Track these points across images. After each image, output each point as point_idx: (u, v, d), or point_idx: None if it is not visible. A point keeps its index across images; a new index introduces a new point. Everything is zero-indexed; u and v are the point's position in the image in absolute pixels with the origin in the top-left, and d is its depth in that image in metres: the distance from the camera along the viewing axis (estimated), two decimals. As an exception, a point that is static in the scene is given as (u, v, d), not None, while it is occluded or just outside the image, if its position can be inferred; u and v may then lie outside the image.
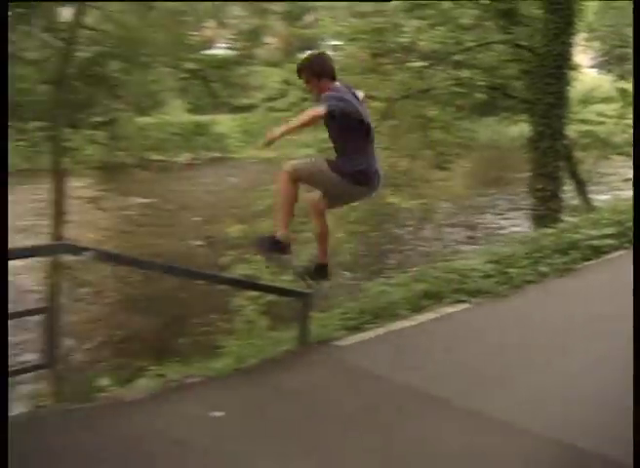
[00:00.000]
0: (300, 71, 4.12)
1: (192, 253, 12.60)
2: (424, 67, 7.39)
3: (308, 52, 5.29)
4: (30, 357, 7.00)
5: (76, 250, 4.23)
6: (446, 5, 6.37)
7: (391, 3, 7.84)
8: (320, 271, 4.39)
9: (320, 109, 3.80)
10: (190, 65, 11.94)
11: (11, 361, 3.82)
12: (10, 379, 3.81)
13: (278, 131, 3.86)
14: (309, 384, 4.22)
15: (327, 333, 5.04)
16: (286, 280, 7.01)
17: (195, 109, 22.72)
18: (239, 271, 6.82)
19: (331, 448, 3.39)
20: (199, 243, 13.61)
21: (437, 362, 4.53)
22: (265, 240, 4.19)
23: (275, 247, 4.14)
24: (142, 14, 11.67)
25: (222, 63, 13.11)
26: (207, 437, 3.46)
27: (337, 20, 8.93)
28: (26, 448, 3.19)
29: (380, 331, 5.15)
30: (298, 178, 4.12)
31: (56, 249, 3.68)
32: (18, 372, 4.73)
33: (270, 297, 6.74)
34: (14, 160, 17.84)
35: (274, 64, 20.20)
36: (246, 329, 6.89)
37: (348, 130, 4.02)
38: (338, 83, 4.08)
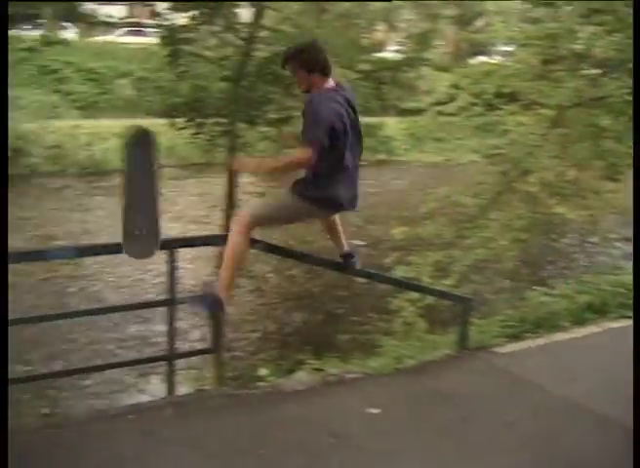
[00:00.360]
0: (286, 60, 3.57)
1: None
2: (599, 75, 7.19)
3: (479, 56, 5.26)
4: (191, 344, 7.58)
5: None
6: (625, 12, 6.17)
7: (566, 8, 7.71)
8: (210, 300, 3.60)
9: (306, 155, 3.35)
10: (364, 67, 12.14)
11: (179, 345, 4.20)
12: (177, 361, 4.22)
13: (250, 165, 3.68)
14: (467, 388, 4.22)
15: (486, 340, 5.03)
16: (446, 284, 7.11)
17: (362, 111, 23.15)
18: (400, 273, 6.99)
19: (486, 454, 3.42)
20: (360, 243, 13.92)
21: (598, 377, 4.44)
22: (207, 298, 3.58)
23: (214, 306, 3.59)
24: (316, 16, 12.15)
25: (394, 66, 13.27)
26: (362, 432, 3.54)
27: (508, 25, 8.85)
28: (191, 428, 3.42)
29: (541, 341, 5.11)
30: (256, 226, 3.57)
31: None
32: (185, 355, 5.10)
33: (429, 301, 6.87)
34: (188, 153, 19.18)
35: (443, 68, 20.17)
36: (404, 330, 7.06)
37: (326, 146, 3.42)
38: (331, 81, 3.55)
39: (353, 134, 3.57)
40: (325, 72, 3.50)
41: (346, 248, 4.08)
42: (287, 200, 3.58)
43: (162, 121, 10.92)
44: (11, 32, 25.91)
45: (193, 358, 6.15)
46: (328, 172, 3.49)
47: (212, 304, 3.58)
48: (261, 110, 10.57)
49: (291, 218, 3.82)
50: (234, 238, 3.48)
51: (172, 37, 10.15)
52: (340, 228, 4.02)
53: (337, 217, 3.96)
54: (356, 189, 3.68)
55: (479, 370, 4.56)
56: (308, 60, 3.47)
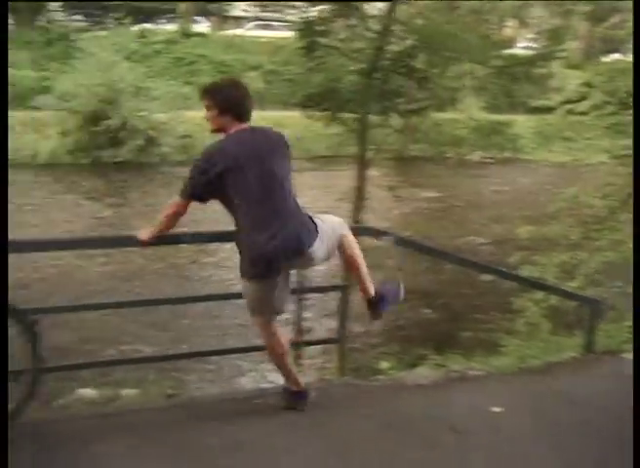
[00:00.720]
0: (202, 94, 3.30)
1: (475, 250, 12.72)
2: None
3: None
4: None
5: (377, 233, 4.20)
6: None
7: None
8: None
9: (177, 201, 3.22)
10: (496, 63, 11.97)
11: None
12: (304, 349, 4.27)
13: (147, 234, 3.34)
14: (593, 393, 4.09)
15: (614, 345, 4.89)
16: (571, 286, 6.99)
17: (490, 108, 22.81)
18: (525, 273, 6.94)
19: (609, 462, 3.32)
20: (483, 241, 13.76)
21: None
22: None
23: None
24: (447, 12, 12.12)
25: (527, 62, 13.00)
26: (483, 430, 3.48)
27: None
28: (314, 415, 3.49)
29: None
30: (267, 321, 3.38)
31: (358, 231, 3.87)
32: (311, 343, 5.31)
33: (553, 301, 6.77)
34: (314, 146, 19.58)
35: (575, 66, 19.49)
36: (528, 330, 7.00)
37: (233, 200, 3.16)
38: (245, 126, 3.25)
39: (267, 176, 3.16)
40: (239, 116, 3.22)
41: (372, 292, 3.52)
42: (246, 289, 3.28)
43: (289, 113, 11.09)
44: (148, 26, 27.42)
45: (316, 348, 6.40)
46: (247, 230, 3.16)
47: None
48: (394, 102, 10.60)
49: (268, 299, 3.27)
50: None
51: (309, 30, 10.43)
52: (363, 268, 3.46)
53: (358, 255, 3.44)
54: (297, 230, 3.16)
55: (605, 375, 4.44)
56: (222, 101, 3.21)
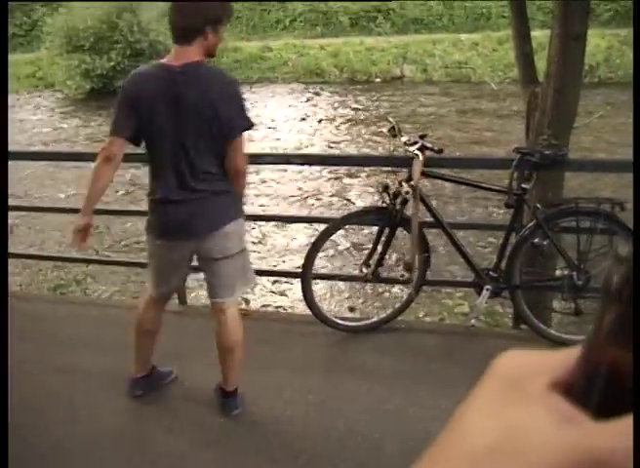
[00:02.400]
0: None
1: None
2: None
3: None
4: None
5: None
6: None
7: None
8: None
9: (103, 151, 2.87)
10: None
11: None
12: None
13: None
14: None
15: None
16: None
17: None
18: None
19: None
20: None
21: None
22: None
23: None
24: None
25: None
26: None
27: None
28: None
29: None
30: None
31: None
32: None
33: None
34: None
35: None
36: None
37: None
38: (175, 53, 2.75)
39: (184, 124, 2.74)
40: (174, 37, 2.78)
41: (232, 386, 3.19)
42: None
43: None
44: None
45: None
46: (153, 182, 2.94)
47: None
48: None
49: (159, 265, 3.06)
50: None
51: None
52: (239, 355, 3.09)
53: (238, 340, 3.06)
54: (198, 207, 2.83)
55: None
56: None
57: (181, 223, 2.86)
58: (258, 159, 4.82)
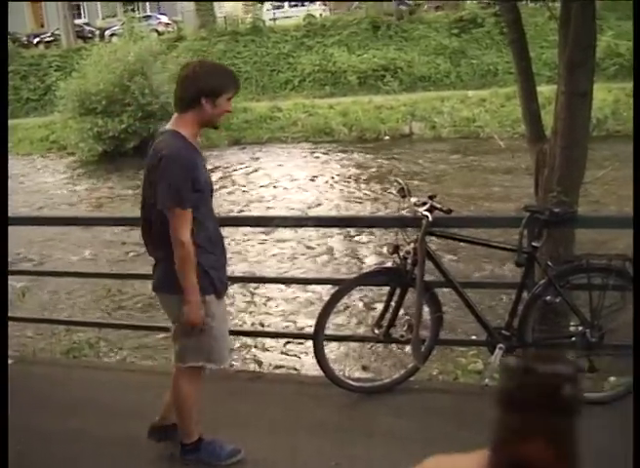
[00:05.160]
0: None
1: None
2: None
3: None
4: None
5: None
6: None
7: None
8: None
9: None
10: None
11: None
12: None
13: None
14: None
15: None
16: None
17: None
18: None
19: None
20: None
21: None
22: None
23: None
24: None
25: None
26: None
27: None
28: None
29: None
30: None
31: None
32: None
33: None
34: None
35: None
36: None
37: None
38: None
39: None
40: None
41: (192, 437, 3.22)
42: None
43: None
44: None
45: None
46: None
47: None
48: None
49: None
50: None
51: None
52: (190, 411, 3.18)
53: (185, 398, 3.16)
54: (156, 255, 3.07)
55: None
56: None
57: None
58: (268, 222, 4.87)
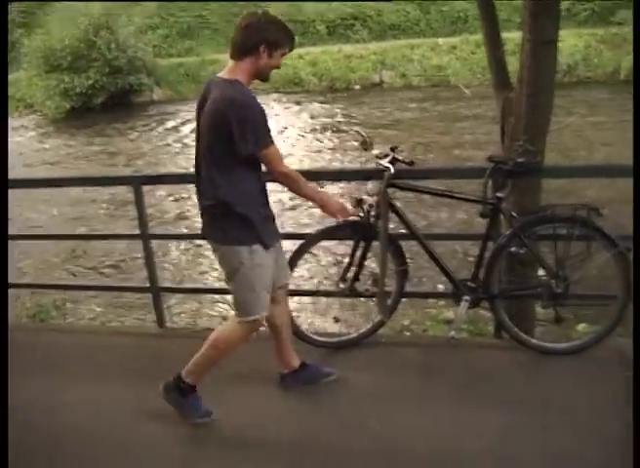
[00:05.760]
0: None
1: None
2: None
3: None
4: None
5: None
6: None
7: None
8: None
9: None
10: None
11: None
12: None
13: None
14: None
15: None
16: None
17: None
18: None
19: None
20: None
21: None
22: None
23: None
24: None
25: None
26: None
27: None
28: None
29: None
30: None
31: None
32: None
33: None
34: None
35: None
36: None
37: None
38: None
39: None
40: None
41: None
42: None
43: None
44: None
45: None
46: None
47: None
48: None
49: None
50: None
51: None
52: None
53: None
54: (203, 208, 3.09)
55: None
56: None
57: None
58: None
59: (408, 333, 5.33)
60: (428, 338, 4.61)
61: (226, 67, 2.94)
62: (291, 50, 2.98)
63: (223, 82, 2.89)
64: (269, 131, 2.92)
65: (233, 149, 2.84)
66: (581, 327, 5.11)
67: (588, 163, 8.24)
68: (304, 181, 3.09)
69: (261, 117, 2.87)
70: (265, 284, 3.08)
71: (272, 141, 2.92)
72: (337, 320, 5.30)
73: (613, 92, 16.07)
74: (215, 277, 7.03)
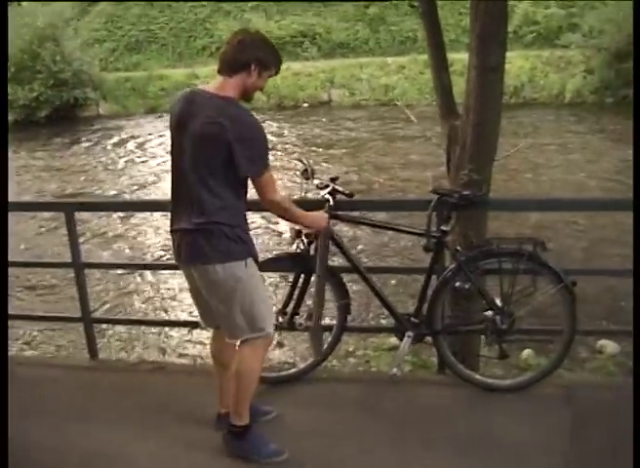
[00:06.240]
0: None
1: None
2: None
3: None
4: None
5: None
6: None
7: None
8: None
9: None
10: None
11: None
12: None
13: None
14: None
15: None
16: None
17: None
18: None
19: None
20: None
21: None
22: None
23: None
24: None
25: None
26: None
27: None
28: None
29: None
30: None
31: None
32: None
33: None
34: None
35: None
36: None
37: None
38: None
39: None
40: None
41: (243, 421, 3.09)
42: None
43: None
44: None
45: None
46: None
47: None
48: None
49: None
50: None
51: None
52: (247, 392, 3.05)
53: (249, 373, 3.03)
54: (184, 231, 2.88)
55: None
56: None
57: None
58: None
59: (352, 360, 5.22)
60: (371, 374, 4.47)
61: (214, 83, 2.85)
62: (276, 73, 2.91)
63: (217, 98, 2.77)
64: (268, 155, 2.86)
65: (228, 169, 2.74)
66: (526, 353, 5.06)
67: (533, 197, 8.27)
68: (295, 208, 3.02)
69: (265, 139, 2.83)
70: (267, 294, 3.03)
71: (269, 166, 2.85)
72: (281, 345, 5.15)
73: (558, 114, 16.39)
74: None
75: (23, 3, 25.30)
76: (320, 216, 3.22)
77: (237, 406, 3.04)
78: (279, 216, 3.06)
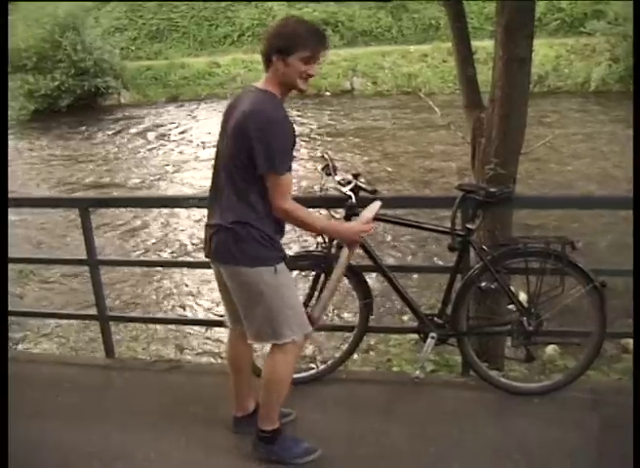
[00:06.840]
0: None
1: None
2: None
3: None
4: None
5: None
6: None
7: None
8: None
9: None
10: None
11: None
12: None
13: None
14: None
15: None
16: None
17: None
18: None
19: None
20: None
21: None
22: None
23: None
24: None
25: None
26: None
27: None
28: None
29: None
30: None
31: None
32: None
33: None
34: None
35: None
36: None
37: None
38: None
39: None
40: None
41: (272, 425, 3.00)
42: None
43: None
44: None
45: None
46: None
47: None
48: None
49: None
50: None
51: None
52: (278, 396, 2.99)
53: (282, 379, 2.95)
54: (215, 228, 2.78)
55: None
56: None
57: None
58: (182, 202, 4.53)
59: (373, 354, 5.13)
60: (392, 375, 4.35)
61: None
62: (316, 52, 2.71)
63: (257, 91, 2.73)
64: (290, 157, 2.70)
65: (253, 166, 2.63)
66: (551, 348, 4.94)
67: (561, 194, 8.06)
68: (314, 219, 2.85)
69: (286, 137, 2.67)
70: (298, 299, 2.94)
71: (289, 170, 2.67)
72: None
73: (583, 102, 16.09)
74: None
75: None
76: (352, 231, 2.98)
77: (268, 411, 2.97)
78: (293, 224, 2.85)
